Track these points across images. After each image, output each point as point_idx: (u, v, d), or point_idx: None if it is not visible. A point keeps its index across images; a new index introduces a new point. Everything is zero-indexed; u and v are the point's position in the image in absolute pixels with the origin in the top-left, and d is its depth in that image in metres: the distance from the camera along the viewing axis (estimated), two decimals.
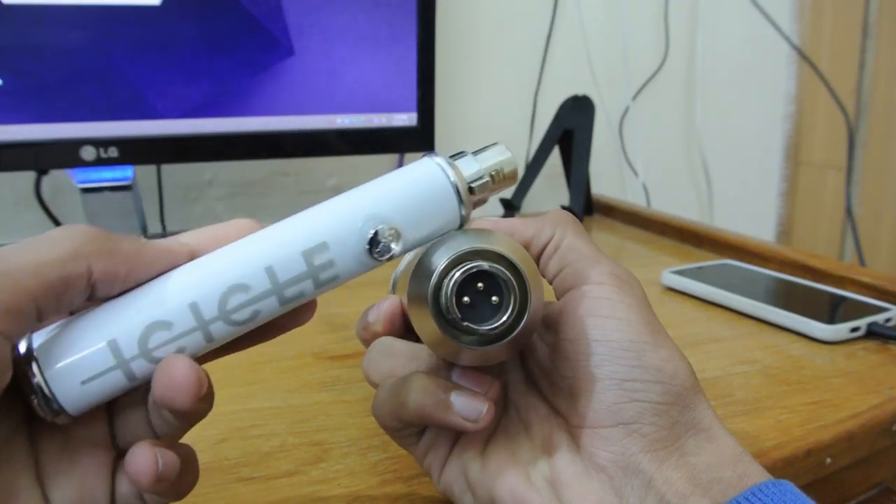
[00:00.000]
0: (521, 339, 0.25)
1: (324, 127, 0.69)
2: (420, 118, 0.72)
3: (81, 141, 0.62)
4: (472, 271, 0.24)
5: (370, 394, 0.41)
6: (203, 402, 0.23)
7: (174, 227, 0.83)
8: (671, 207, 0.93)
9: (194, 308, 0.23)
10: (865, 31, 1.06)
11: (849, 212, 1.05)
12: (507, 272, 0.24)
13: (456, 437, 0.28)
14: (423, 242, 0.26)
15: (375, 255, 0.25)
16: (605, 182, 1.04)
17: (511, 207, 0.81)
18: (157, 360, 0.23)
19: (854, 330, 0.49)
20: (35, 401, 0.23)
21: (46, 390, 0.22)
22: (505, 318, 0.24)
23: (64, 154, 0.62)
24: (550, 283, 0.28)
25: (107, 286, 0.23)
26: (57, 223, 0.78)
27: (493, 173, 0.27)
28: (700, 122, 1.09)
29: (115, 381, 0.23)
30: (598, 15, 1.00)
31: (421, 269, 0.25)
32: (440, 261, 0.24)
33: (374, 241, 0.24)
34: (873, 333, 0.49)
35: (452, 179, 0.25)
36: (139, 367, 0.23)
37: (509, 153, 0.27)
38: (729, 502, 0.23)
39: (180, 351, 0.24)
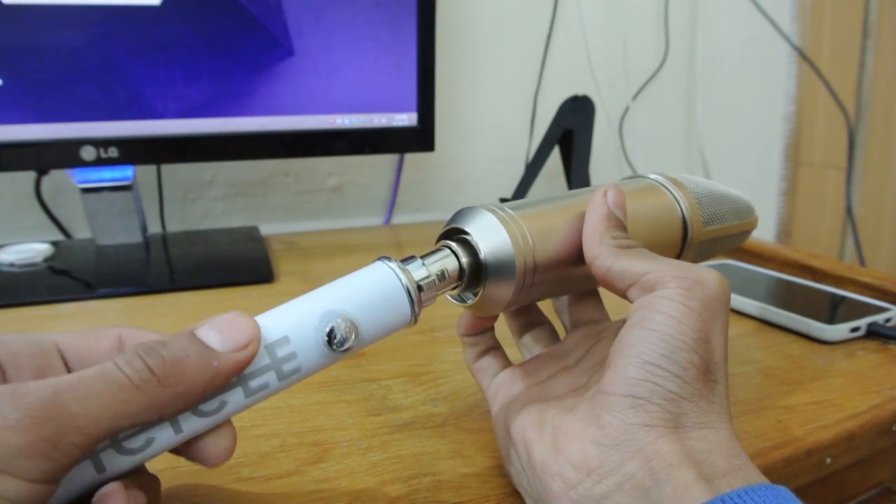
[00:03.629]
0: (484, 302, 0.30)
1: (324, 127, 0.69)
2: (420, 118, 0.72)
3: (81, 141, 0.62)
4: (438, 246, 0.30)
5: (370, 394, 0.41)
6: None
7: (174, 227, 0.83)
8: None
9: None
10: (865, 31, 1.06)
11: (849, 212, 1.05)
12: (454, 247, 0.29)
13: (507, 362, 0.34)
14: (379, 336, 0.28)
15: (335, 347, 0.26)
16: (604, 182, 1.03)
17: None
18: (128, 451, 0.23)
19: (854, 330, 0.49)
20: None
21: None
22: (455, 285, 0.29)
23: (64, 154, 0.62)
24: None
25: None
26: (57, 223, 0.79)
27: (438, 274, 0.29)
28: (700, 122, 1.09)
29: (84, 473, 0.23)
30: (598, 15, 1.00)
31: None
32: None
33: (331, 334, 0.26)
34: (873, 333, 0.49)
35: (404, 282, 0.28)
36: (109, 460, 0.23)
37: (453, 256, 0.29)
38: (720, 497, 0.23)
39: (149, 442, 0.24)
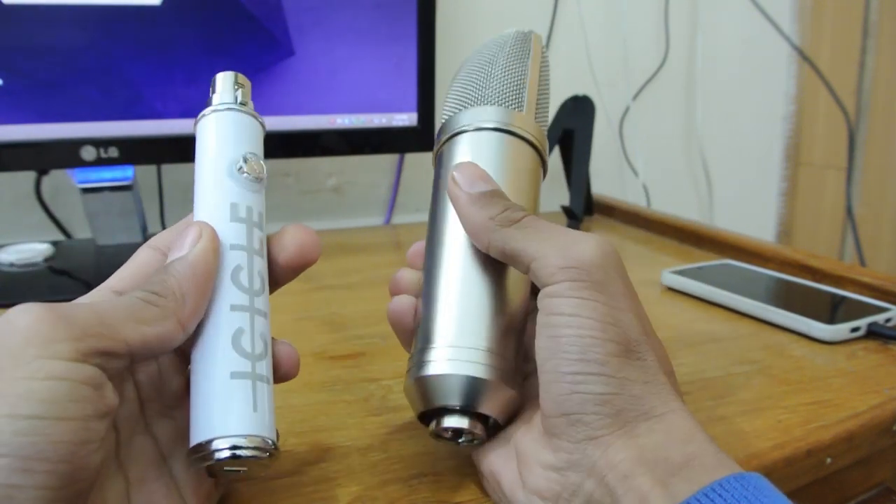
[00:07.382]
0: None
1: (324, 127, 0.69)
2: (420, 118, 0.72)
3: (81, 141, 0.62)
4: None
5: (370, 394, 0.41)
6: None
7: None
8: (671, 207, 0.93)
9: (234, 306, 0.27)
10: (865, 31, 1.06)
11: (849, 212, 1.05)
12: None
13: None
14: None
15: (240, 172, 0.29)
16: (605, 182, 1.04)
17: None
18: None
19: (854, 330, 0.49)
20: None
21: None
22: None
23: (64, 154, 0.62)
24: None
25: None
26: (57, 223, 0.79)
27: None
28: (700, 122, 1.09)
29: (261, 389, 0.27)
30: (598, 15, 1.00)
31: None
32: None
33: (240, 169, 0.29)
34: (873, 333, 0.49)
35: None
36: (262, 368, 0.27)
37: None
38: (688, 500, 0.22)
39: (263, 337, 0.28)
